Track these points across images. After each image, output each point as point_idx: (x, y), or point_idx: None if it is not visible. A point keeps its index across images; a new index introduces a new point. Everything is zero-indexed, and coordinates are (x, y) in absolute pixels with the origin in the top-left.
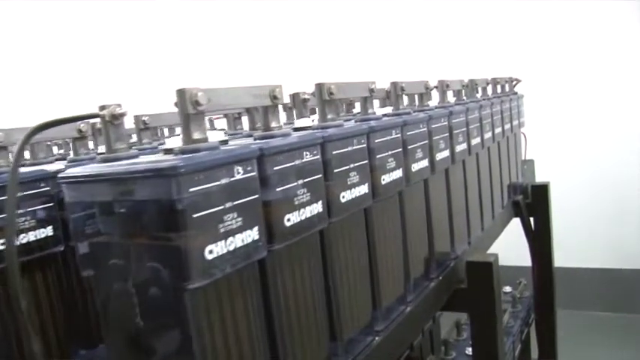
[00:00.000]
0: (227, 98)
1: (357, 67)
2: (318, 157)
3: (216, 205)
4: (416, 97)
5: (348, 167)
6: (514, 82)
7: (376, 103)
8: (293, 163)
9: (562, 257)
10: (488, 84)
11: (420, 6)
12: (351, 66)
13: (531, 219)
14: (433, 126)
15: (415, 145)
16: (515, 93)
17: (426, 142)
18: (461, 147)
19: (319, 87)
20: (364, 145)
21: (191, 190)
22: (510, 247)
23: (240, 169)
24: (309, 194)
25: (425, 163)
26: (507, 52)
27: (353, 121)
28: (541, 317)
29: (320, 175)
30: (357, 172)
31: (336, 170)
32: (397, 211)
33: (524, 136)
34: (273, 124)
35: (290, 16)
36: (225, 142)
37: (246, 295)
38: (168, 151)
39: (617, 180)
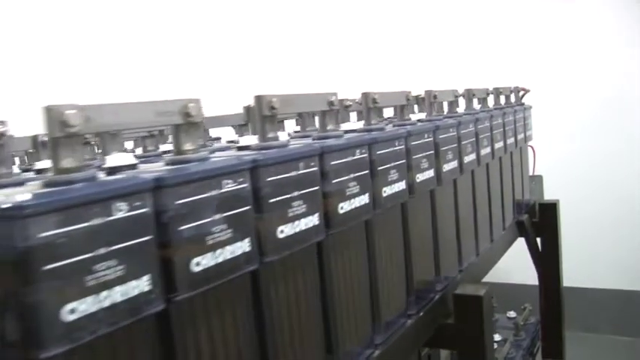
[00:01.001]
0: (116, 117)
1: (356, 77)
2: (247, 185)
3: (83, 252)
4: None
5: (289, 196)
6: (521, 93)
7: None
8: (203, 195)
9: (572, 277)
10: (488, 94)
11: (420, 11)
12: (350, 76)
13: (539, 238)
14: (413, 143)
15: (386, 167)
16: (522, 104)
17: (403, 161)
18: (450, 165)
19: (258, 100)
20: (312, 169)
21: (43, 235)
22: (517, 264)
23: (123, 205)
24: (230, 231)
25: (401, 185)
26: (517, 60)
27: (310, 138)
28: (548, 342)
29: (247, 207)
30: (303, 200)
31: (271, 201)
32: (363, 243)
33: (533, 150)
34: (187, 147)
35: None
36: (132, 167)
37: (136, 357)
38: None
39: (632, 198)
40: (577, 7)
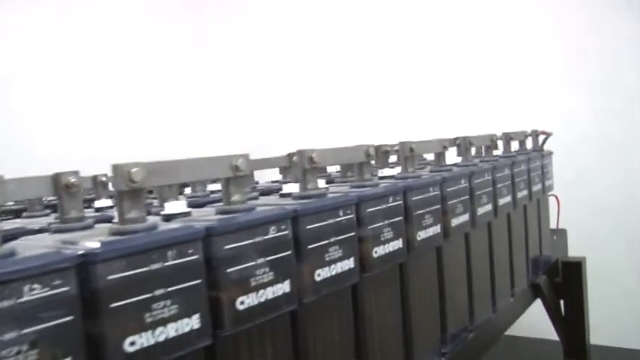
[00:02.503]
0: None
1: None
2: (67, 288)
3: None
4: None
5: (150, 295)
6: (541, 137)
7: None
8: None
9: (602, 335)
10: (494, 141)
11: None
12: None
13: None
14: (370, 210)
15: (325, 243)
16: (541, 150)
17: (353, 234)
18: (430, 231)
19: (115, 170)
20: (189, 259)
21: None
22: (539, 316)
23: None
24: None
25: (348, 264)
26: (540, 102)
27: (206, 211)
28: None
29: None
30: (178, 301)
31: (125, 302)
32: (287, 335)
33: (557, 201)
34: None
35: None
36: None
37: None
38: None
39: None
40: (605, 42)
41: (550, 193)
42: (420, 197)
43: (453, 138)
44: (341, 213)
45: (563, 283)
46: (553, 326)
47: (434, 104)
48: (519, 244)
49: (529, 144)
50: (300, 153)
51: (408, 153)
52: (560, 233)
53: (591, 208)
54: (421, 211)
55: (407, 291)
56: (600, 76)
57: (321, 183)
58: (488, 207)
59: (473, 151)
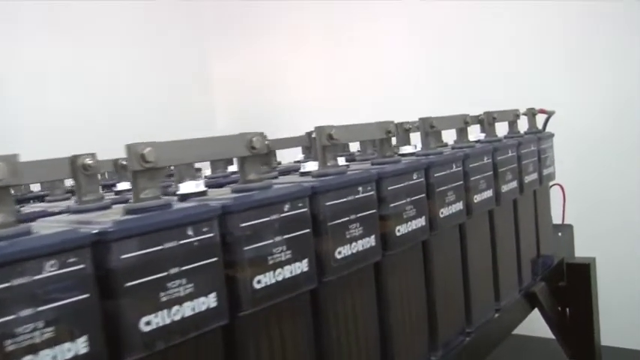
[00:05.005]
0: None
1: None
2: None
3: None
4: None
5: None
6: (541, 117)
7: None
8: None
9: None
10: (467, 123)
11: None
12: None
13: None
14: (249, 224)
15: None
16: (538, 131)
17: (268, 245)
18: (358, 246)
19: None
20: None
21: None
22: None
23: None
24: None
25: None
26: (541, 75)
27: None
28: None
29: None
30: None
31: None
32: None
33: (563, 192)
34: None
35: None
36: None
37: None
38: None
39: None
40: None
41: (552, 183)
42: (342, 200)
43: (412, 121)
44: (195, 230)
45: (569, 288)
46: (556, 338)
47: (432, 92)
48: (507, 246)
49: (524, 125)
50: (129, 148)
51: (327, 142)
52: (566, 229)
53: (602, 200)
54: (345, 219)
55: (333, 315)
56: (614, 52)
57: (190, 186)
58: (459, 205)
59: (455, 135)
